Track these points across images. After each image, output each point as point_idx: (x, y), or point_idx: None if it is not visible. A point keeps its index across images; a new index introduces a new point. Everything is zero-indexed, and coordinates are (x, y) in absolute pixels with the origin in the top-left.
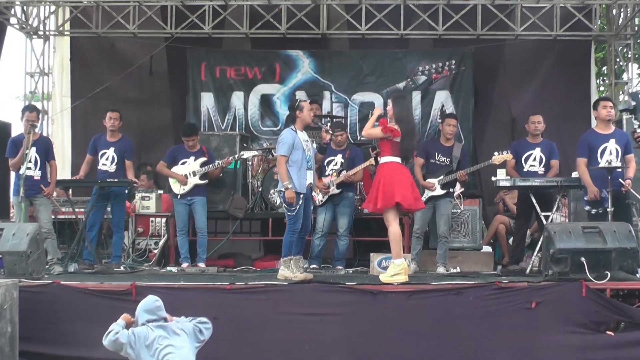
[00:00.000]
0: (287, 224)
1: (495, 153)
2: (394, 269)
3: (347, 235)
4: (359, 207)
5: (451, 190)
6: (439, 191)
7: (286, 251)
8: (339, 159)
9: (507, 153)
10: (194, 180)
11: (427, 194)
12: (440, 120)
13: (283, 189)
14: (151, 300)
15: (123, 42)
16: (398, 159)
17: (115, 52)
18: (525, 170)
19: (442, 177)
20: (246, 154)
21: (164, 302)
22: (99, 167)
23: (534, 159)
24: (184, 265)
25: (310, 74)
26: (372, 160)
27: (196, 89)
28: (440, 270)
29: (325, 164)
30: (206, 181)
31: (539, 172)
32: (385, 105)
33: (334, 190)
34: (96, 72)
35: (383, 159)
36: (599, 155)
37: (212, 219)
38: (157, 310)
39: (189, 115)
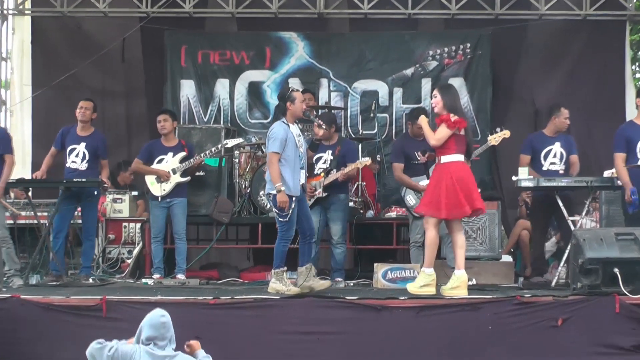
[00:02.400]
0: (278, 231)
1: (488, 133)
2: (425, 278)
3: (344, 243)
4: (360, 210)
5: None
6: None
7: (278, 262)
8: (328, 156)
9: (502, 130)
10: (175, 179)
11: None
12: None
13: (273, 192)
14: (157, 315)
15: (92, 22)
16: (462, 157)
17: (83, 34)
18: (544, 169)
19: None
20: (230, 143)
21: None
22: (67, 165)
23: (554, 156)
24: (157, 276)
25: (305, 59)
26: (367, 161)
27: (175, 77)
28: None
29: (314, 161)
30: (188, 178)
31: (560, 171)
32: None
33: (320, 193)
34: (61, 58)
35: (446, 158)
36: (638, 150)
37: (194, 224)
38: (161, 328)
39: (167, 106)
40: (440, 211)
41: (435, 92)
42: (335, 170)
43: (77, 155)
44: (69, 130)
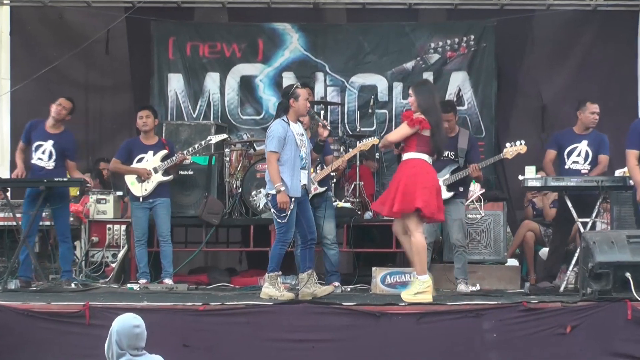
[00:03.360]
0: (276, 233)
1: (507, 145)
2: (419, 286)
3: (337, 243)
4: (358, 211)
5: (460, 189)
6: (445, 193)
7: (273, 265)
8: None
9: (522, 144)
10: (157, 178)
11: None
12: None
13: (272, 192)
14: (129, 324)
15: (74, 12)
16: (425, 156)
17: (65, 25)
18: (566, 167)
19: (447, 175)
20: (214, 139)
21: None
22: (32, 162)
23: (579, 154)
24: (143, 281)
25: (299, 51)
26: (374, 141)
27: (162, 70)
28: (462, 288)
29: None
30: (171, 177)
31: (583, 171)
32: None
33: (317, 189)
34: (41, 50)
35: (406, 155)
36: None
37: (182, 226)
38: (136, 339)
39: (154, 101)
40: (392, 207)
41: (410, 91)
42: (322, 165)
43: (43, 153)
44: (37, 125)
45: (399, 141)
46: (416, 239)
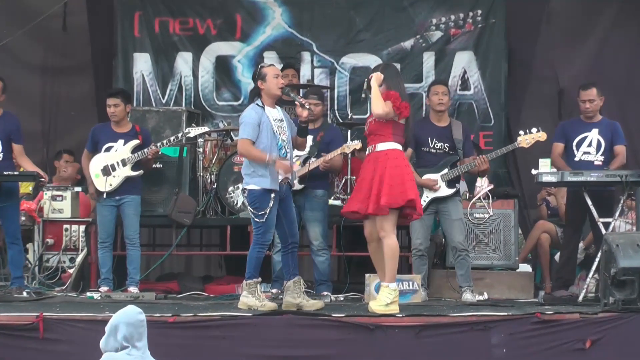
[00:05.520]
0: (254, 234)
1: (521, 132)
2: (390, 295)
3: (326, 249)
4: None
5: (457, 186)
6: (444, 190)
7: (251, 271)
8: (308, 141)
9: (539, 131)
10: (125, 172)
11: (428, 195)
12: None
13: (249, 187)
14: (133, 312)
15: None
16: (400, 147)
17: None
18: (577, 159)
19: (445, 170)
20: (193, 132)
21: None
22: None
23: (589, 144)
24: (104, 289)
25: (283, 28)
26: (356, 145)
27: (127, 49)
28: (467, 297)
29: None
30: (141, 172)
31: (596, 162)
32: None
33: (295, 185)
34: None
35: (382, 145)
36: None
37: (150, 226)
38: (140, 326)
39: (117, 84)
40: (378, 202)
41: (377, 74)
42: (315, 158)
43: None
44: None
45: (385, 118)
46: (393, 241)
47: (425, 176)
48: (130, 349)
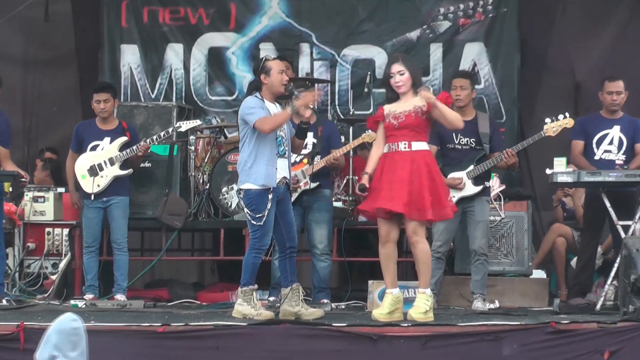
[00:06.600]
0: (250, 238)
1: (547, 120)
2: (427, 302)
3: (329, 253)
4: (351, 212)
5: (487, 184)
6: (470, 189)
7: (247, 277)
8: (309, 139)
9: (566, 118)
10: (113, 171)
11: (454, 195)
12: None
13: (245, 187)
14: (67, 319)
15: None
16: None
17: None
18: (597, 158)
19: (471, 167)
20: (185, 126)
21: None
22: None
23: (611, 142)
24: (90, 297)
25: (280, 18)
26: (366, 137)
27: (114, 40)
28: (478, 305)
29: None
30: (130, 171)
31: (617, 161)
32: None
33: (307, 184)
34: None
35: (418, 145)
36: None
37: (138, 229)
38: (72, 335)
39: (103, 77)
40: (426, 211)
41: (398, 63)
42: (320, 156)
43: None
44: None
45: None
46: (427, 245)
47: (450, 175)
48: (60, 358)
